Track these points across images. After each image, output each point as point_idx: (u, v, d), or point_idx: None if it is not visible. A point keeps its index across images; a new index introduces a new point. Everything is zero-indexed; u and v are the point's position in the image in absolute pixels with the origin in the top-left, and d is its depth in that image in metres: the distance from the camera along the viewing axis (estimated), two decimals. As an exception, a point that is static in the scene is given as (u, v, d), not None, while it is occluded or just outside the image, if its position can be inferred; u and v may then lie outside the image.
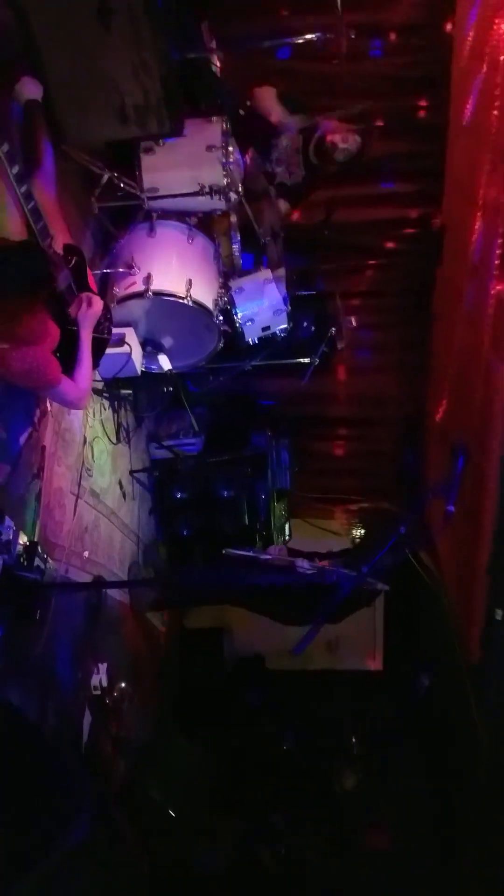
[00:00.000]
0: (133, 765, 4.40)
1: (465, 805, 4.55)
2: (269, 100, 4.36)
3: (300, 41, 4.11)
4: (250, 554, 4.33)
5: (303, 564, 3.88)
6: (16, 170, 2.47)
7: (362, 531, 6.07)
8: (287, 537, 5.78)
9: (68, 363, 2.93)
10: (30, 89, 3.13)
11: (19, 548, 3.14)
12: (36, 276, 2.60)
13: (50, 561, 3.39)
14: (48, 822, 2.97)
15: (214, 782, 4.66)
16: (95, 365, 3.18)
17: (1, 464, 3.11)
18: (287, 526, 5.81)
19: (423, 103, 4.88)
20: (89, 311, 3.01)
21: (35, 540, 3.29)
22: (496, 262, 3.90)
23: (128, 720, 4.43)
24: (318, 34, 4.06)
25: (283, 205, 4.56)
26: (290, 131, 4.37)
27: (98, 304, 3.05)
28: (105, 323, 3.25)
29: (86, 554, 4.07)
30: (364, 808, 5.10)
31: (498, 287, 3.91)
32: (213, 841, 4.48)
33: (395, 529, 2.71)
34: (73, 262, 2.96)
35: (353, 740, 4.84)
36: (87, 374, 3.01)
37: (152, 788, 4.32)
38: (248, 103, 4.38)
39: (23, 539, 3.17)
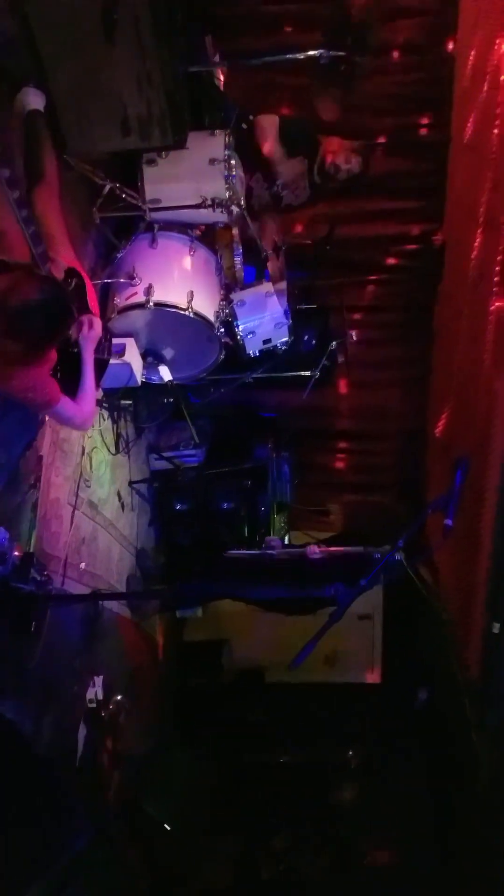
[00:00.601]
0: (130, 779, 4.36)
1: (464, 818, 4.51)
2: (268, 132, 4.36)
3: (303, 57, 4.13)
4: (254, 553, 4.31)
5: (314, 550, 3.87)
6: (16, 195, 2.48)
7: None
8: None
9: (69, 384, 2.93)
10: (33, 99, 3.16)
11: (15, 559, 3.11)
12: (58, 323, 2.60)
13: (46, 572, 3.37)
14: (44, 841, 2.95)
15: (213, 796, 4.62)
16: (98, 384, 3.18)
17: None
18: (287, 538, 5.79)
19: (424, 121, 4.93)
20: (91, 333, 3.01)
21: (31, 551, 3.27)
22: (496, 278, 3.91)
23: (124, 733, 4.39)
24: (321, 51, 4.08)
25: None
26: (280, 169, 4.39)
27: (98, 325, 3.06)
28: (105, 343, 3.26)
29: (83, 565, 4.04)
30: (363, 821, 5.05)
31: (498, 303, 3.91)
32: (213, 857, 4.43)
33: (394, 541, 2.70)
34: (73, 284, 2.96)
35: (351, 753, 4.80)
36: (90, 396, 3.02)
37: (150, 803, 4.28)
38: (251, 118, 4.41)
39: (19, 550, 3.15)
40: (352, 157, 4.36)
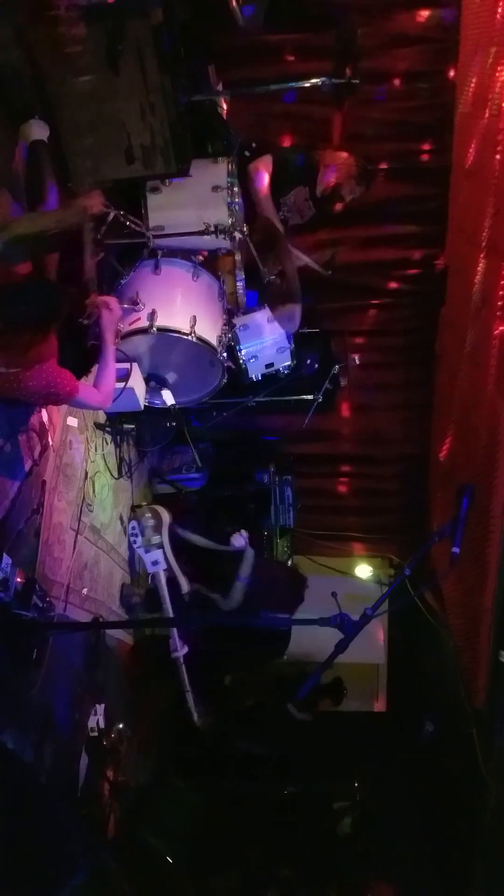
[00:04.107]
0: (130, 810, 4.29)
1: (470, 850, 4.42)
2: (260, 178, 4.37)
3: (306, 85, 4.18)
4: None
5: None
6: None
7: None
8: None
9: (79, 370, 3.02)
10: (37, 130, 3.20)
11: (17, 585, 3.09)
12: (48, 310, 2.65)
13: (48, 598, 3.34)
14: (42, 874, 2.89)
15: (213, 828, 4.54)
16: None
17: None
18: (290, 563, 5.75)
19: (426, 147, 4.96)
20: (111, 316, 3.12)
21: (34, 577, 3.24)
22: (499, 303, 3.92)
23: (125, 762, 4.33)
24: (323, 79, 4.13)
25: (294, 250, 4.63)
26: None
27: (116, 307, 3.17)
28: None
29: (85, 591, 4.01)
30: (366, 854, 4.96)
31: (501, 328, 3.92)
32: (213, 891, 4.35)
33: (401, 571, 2.68)
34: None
35: (356, 784, 4.72)
36: (110, 378, 3.14)
37: (149, 835, 4.20)
38: (254, 145, 4.45)
39: (20, 576, 3.13)
40: (355, 188, 4.40)
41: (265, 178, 4.33)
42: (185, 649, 4.54)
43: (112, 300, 3.17)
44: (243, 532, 4.91)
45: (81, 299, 3.05)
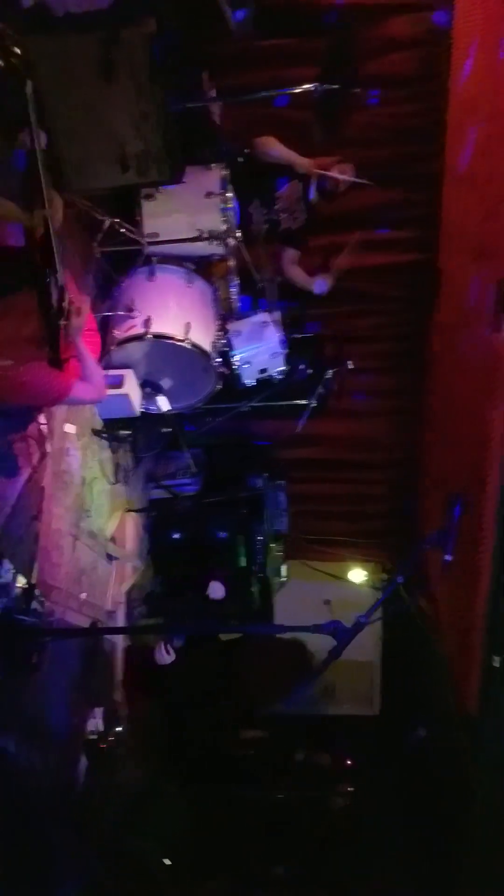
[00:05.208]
0: (127, 813, 4.31)
1: (458, 854, 4.46)
2: (274, 146, 4.43)
3: (298, 91, 4.20)
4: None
5: None
6: None
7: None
8: (284, 578, 5.75)
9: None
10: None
11: (17, 591, 3.12)
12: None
13: (47, 604, 3.37)
14: (41, 877, 2.91)
15: (205, 833, 4.57)
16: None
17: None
18: (284, 567, 5.79)
19: (418, 152, 4.98)
20: (77, 321, 2.99)
21: (33, 582, 3.27)
22: (489, 309, 3.95)
23: (123, 766, 4.36)
24: (315, 84, 4.15)
25: (293, 253, 4.67)
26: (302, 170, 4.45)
27: (86, 309, 3.11)
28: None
29: (83, 596, 4.04)
30: (357, 857, 4.99)
31: (492, 335, 3.95)
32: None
33: (394, 576, 2.71)
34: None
35: (350, 789, 4.76)
36: (95, 370, 3.12)
37: (144, 838, 4.23)
38: (247, 151, 4.48)
39: (20, 581, 3.15)
40: (344, 168, 4.44)
41: (276, 144, 4.38)
42: (172, 657, 4.60)
43: (83, 301, 3.11)
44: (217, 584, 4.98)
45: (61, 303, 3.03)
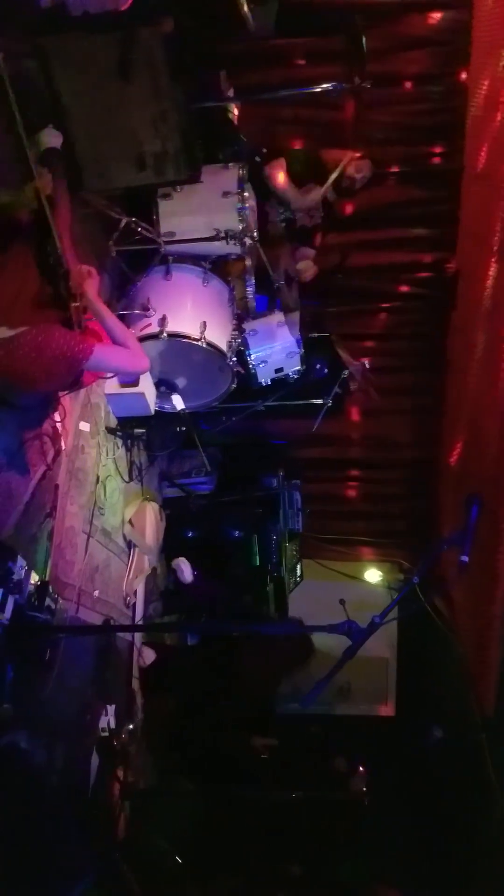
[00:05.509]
0: (138, 810, 4.32)
1: (476, 856, 4.43)
2: (277, 178, 4.47)
3: (317, 90, 4.19)
4: None
5: None
6: None
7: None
8: (299, 578, 5.73)
9: None
10: (50, 139, 3.22)
11: (30, 588, 3.13)
12: None
13: (60, 601, 3.38)
14: (53, 873, 2.92)
15: (216, 831, 4.56)
16: None
17: (14, 503, 3.13)
18: (299, 567, 5.77)
19: (437, 150, 4.95)
20: (94, 283, 2.98)
21: (46, 579, 3.28)
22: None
23: (135, 763, 4.37)
24: (334, 84, 4.14)
25: (308, 252, 4.66)
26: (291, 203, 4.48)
27: (94, 273, 3.01)
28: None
29: (96, 593, 4.05)
30: (370, 859, 4.96)
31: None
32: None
33: (410, 576, 2.69)
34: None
35: (365, 790, 4.72)
36: (126, 333, 3.01)
37: (156, 835, 4.23)
38: (264, 150, 4.48)
39: (34, 579, 3.16)
40: (362, 166, 4.43)
41: (280, 177, 4.37)
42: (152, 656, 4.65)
43: (89, 268, 3.01)
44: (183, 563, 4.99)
45: (67, 283, 2.93)
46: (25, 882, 2.83)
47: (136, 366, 3.14)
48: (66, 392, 3.27)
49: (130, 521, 4.53)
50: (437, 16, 4.56)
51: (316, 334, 4.88)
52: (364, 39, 3.87)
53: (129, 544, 4.53)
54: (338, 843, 4.86)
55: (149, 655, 4.66)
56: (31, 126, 3.26)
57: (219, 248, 4.10)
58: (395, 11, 4.56)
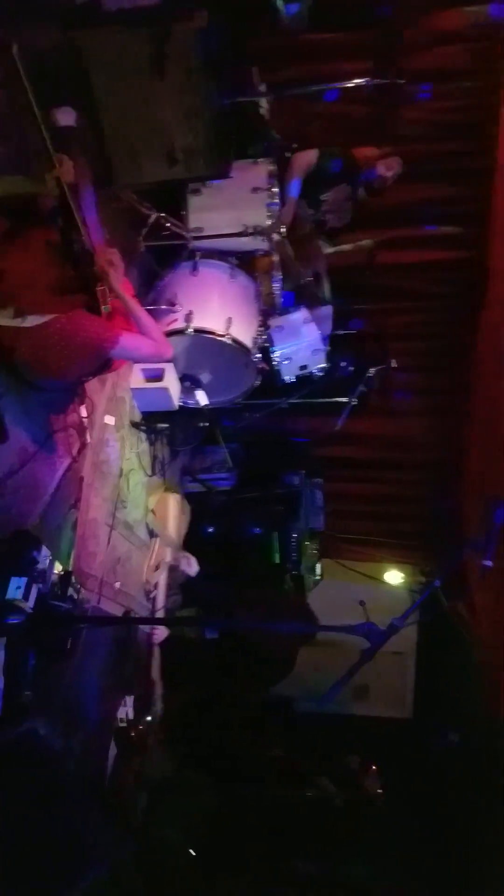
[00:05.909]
0: (154, 800, 4.35)
1: (489, 862, 4.41)
2: (299, 166, 4.39)
3: (350, 86, 4.16)
4: None
5: None
6: None
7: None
8: (318, 577, 5.73)
9: None
10: (62, 117, 3.18)
11: (54, 577, 3.15)
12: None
13: (83, 591, 3.40)
14: (67, 859, 2.95)
15: (229, 827, 4.58)
16: None
17: (40, 494, 3.16)
18: (318, 566, 5.76)
19: (468, 148, 4.90)
20: (118, 271, 2.95)
21: (69, 570, 3.31)
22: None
23: (152, 754, 4.40)
24: (367, 79, 4.11)
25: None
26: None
27: (118, 258, 2.96)
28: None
29: (117, 585, 4.08)
30: (381, 862, 4.95)
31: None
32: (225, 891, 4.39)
33: (431, 578, 2.68)
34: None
35: (380, 791, 4.71)
36: (151, 323, 3.03)
37: (170, 827, 4.26)
38: (295, 146, 4.45)
39: (58, 568, 3.19)
40: (391, 163, 4.39)
41: (297, 184, 4.35)
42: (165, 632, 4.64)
43: (112, 253, 2.96)
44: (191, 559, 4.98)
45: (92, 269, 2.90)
46: (39, 866, 2.86)
47: (161, 353, 3.14)
48: (93, 377, 3.28)
49: (153, 511, 4.54)
50: (472, 10, 4.50)
51: (342, 332, 4.86)
52: (402, 34, 3.83)
53: (151, 533, 4.54)
54: (344, 841, 4.86)
55: (161, 632, 4.65)
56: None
57: (246, 243, 4.10)
58: (430, 6, 4.51)
